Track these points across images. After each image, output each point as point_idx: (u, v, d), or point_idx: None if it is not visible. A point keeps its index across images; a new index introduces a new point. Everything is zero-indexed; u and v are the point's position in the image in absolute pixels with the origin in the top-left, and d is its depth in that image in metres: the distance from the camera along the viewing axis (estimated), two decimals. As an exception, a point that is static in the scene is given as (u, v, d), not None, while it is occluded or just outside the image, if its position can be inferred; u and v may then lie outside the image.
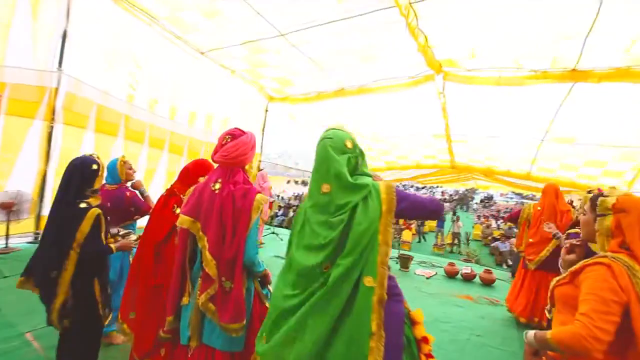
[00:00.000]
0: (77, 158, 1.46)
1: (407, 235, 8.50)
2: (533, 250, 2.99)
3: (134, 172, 2.23)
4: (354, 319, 0.93)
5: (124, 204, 2.07)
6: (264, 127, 6.15)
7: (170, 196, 1.57)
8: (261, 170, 5.04)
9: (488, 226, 10.60)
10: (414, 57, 4.04)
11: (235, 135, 1.40)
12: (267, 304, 1.34)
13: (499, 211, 18.96)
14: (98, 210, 1.40)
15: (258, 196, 1.30)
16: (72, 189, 1.39)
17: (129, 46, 3.77)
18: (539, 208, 3.07)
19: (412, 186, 22.05)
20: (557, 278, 1.13)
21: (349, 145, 1.11)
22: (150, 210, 1.86)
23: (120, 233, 1.63)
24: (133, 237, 1.60)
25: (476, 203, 19.57)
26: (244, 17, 3.57)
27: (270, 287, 1.40)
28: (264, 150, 6.21)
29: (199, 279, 1.28)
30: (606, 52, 3.21)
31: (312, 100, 5.62)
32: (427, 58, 3.92)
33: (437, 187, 26.25)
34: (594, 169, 5.08)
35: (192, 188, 1.38)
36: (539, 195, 3.38)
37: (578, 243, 1.28)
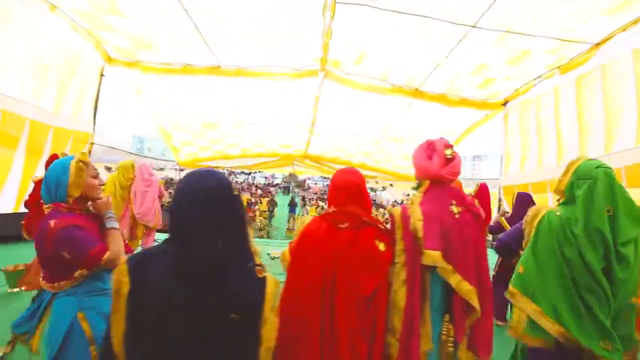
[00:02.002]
0: (197, 176, 0.77)
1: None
2: None
3: (102, 184, 1.22)
4: None
5: (46, 246, 1.15)
6: (97, 96, 4.45)
7: (361, 228, 0.99)
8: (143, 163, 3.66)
9: (322, 207, 12.53)
10: (308, 51, 4.14)
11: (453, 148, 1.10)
12: None
13: (316, 193, 22.38)
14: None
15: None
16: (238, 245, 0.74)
17: None
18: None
19: (242, 172, 22.07)
20: None
21: None
22: (105, 260, 1.11)
23: None
24: None
25: (296, 187, 22.26)
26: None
27: None
28: (97, 129, 4.51)
29: (443, 322, 1.06)
30: (439, 81, 4.51)
31: (174, 72, 4.59)
32: (323, 55, 4.11)
33: (258, 172, 27.57)
34: (405, 161, 7.02)
35: (415, 212, 0.96)
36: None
37: None
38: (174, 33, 3.87)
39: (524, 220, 1.34)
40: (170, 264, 0.73)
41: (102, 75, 4.42)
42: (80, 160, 1.30)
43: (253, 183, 23.67)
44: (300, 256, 1.13)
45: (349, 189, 1.23)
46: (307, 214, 11.21)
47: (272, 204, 11.27)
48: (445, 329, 1.12)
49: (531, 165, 4.42)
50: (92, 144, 4.39)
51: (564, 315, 1.17)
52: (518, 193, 2.91)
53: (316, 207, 12.83)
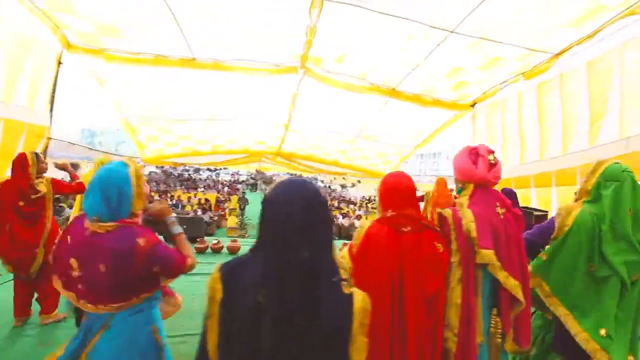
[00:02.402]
0: (293, 185, 0.76)
1: (232, 221, 8.37)
2: None
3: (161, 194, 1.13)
4: None
5: (136, 265, 1.12)
6: (54, 86, 4.02)
7: (422, 231, 0.97)
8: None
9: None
10: (289, 47, 4.09)
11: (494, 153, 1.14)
12: None
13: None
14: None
15: None
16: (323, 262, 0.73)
17: None
18: (435, 193, 4.23)
19: (207, 169, 21.18)
20: None
21: None
22: (188, 267, 1.17)
23: None
24: None
25: (263, 184, 21.80)
26: None
27: None
28: (54, 122, 4.07)
29: (492, 316, 1.14)
30: (415, 82, 4.68)
31: (144, 63, 4.28)
32: (305, 52, 4.08)
33: (223, 168, 26.65)
34: (379, 159, 7.22)
35: (466, 214, 0.95)
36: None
37: None
38: (146, 20, 3.60)
39: (556, 216, 1.50)
40: (260, 273, 0.71)
41: (59, 62, 3.99)
42: (137, 164, 1.22)
43: (218, 180, 22.85)
44: (366, 260, 1.13)
45: (405, 192, 1.26)
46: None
47: (244, 201, 10.94)
48: (493, 322, 1.21)
49: (497, 163, 4.77)
50: (49, 138, 3.96)
51: (570, 300, 1.34)
52: (503, 189, 3.11)
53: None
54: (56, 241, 1.23)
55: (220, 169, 24.66)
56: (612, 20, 3.08)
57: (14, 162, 2.63)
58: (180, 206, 11.03)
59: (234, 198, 10.97)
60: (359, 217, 10.18)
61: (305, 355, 0.69)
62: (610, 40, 3.21)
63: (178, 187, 16.82)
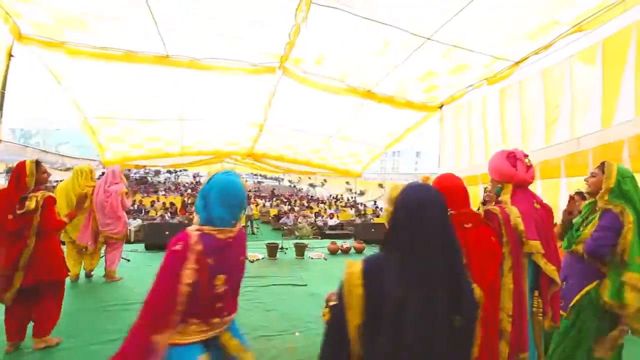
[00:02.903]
0: (422, 189, 0.86)
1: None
2: None
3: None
4: None
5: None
6: (4, 82, 3.58)
7: (479, 226, 1.01)
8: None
9: (264, 205, 12.19)
10: (269, 47, 4.06)
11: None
12: None
13: (250, 191, 21.68)
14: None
15: None
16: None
17: None
18: None
19: (167, 171, 20.00)
20: None
21: None
22: None
23: None
24: None
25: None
26: None
27: None
28: (4, 122, 3.62)
29: (534, 297, 1.34)
30: (391, 84, 4.88)
31: (112, 58, 3.99)
32: (286, 53, 4.07)
33: (183, 170, 25.37)
34: (351, 158, 7.41)
35: (513, 211, 1.01)
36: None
37: None
38: (118, 14, 3.36)
39: (620, 215, 1.70)
40: (399, 272, 0.77)
41: (10, 55, 3.57)
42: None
43: (178, 182, 21.73)
44: None
45: (461, 193, 1.39)
46: (251, 212, 10.86)
47: (213, 204, 10.46)
48: (535, 303, 1.41)
49: (464, 161, 5.16)
50: (0, 141, 3.53)
51: None
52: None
53: (256, 205, 12.51)
54: (189, 282, 1.16)
55: (180, 170, 23.49)
56: (564, 35, 3.50)
57: (12, 171, 2.34)
58: (143, 211, 10.18)
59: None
60: (331, 216, 10.33)
61: (445, 345, 0.77)
62: (562, 51, 3.64)
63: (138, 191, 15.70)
